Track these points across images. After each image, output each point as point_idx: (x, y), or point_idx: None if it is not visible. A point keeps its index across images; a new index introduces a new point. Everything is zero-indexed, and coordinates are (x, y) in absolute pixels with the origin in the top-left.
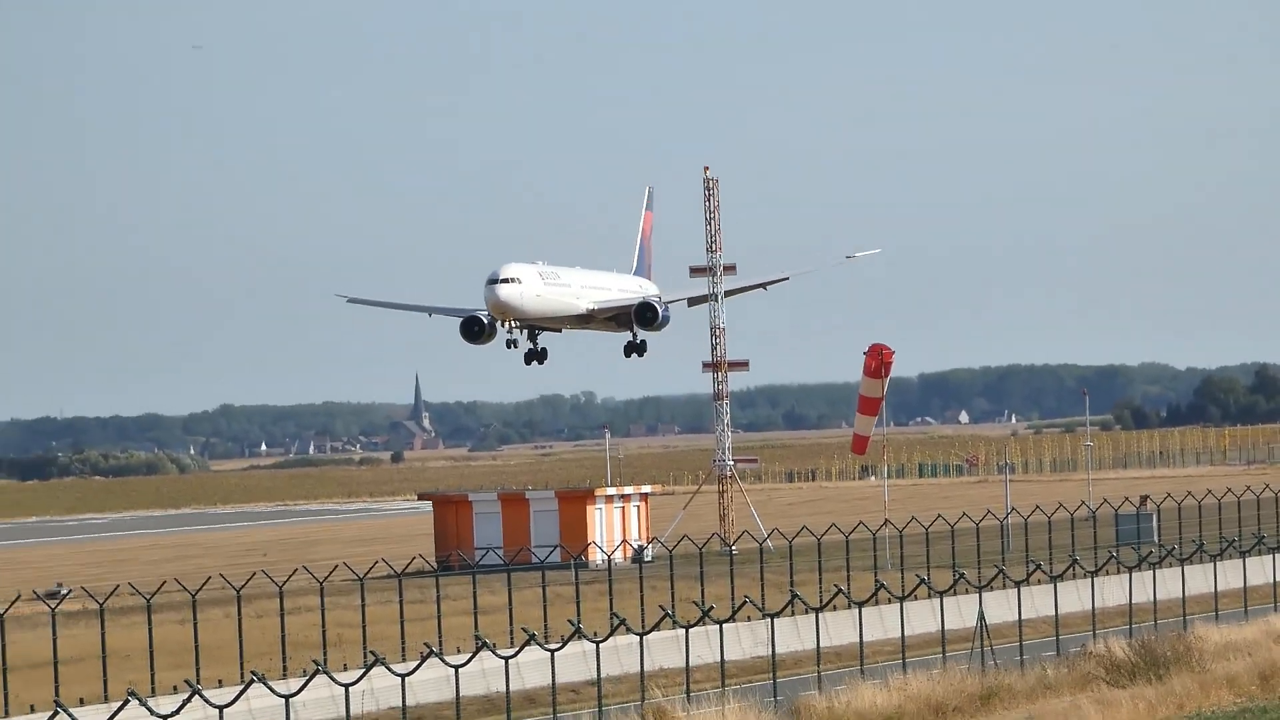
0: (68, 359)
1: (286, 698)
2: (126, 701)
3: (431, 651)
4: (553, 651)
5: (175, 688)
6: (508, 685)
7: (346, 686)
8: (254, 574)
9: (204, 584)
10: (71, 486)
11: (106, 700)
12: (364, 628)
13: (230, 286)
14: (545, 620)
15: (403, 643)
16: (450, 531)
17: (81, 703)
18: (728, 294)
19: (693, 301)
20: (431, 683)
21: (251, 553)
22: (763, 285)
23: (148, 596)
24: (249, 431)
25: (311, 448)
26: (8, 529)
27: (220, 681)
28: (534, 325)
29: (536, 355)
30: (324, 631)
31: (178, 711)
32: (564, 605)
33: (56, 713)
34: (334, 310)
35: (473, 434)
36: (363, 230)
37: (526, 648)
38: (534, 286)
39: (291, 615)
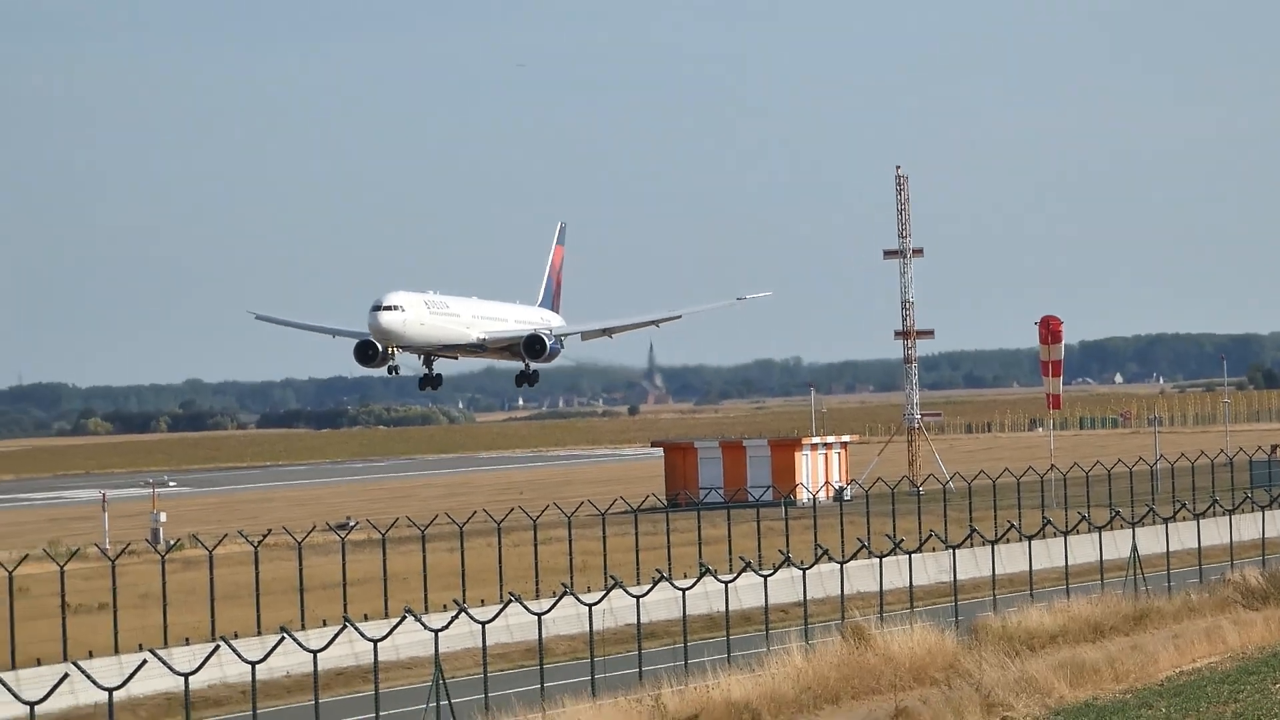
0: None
1: (539, 615)
2: (404, 618)
3: (662, 576)
4: (765, 577)
5: (445, 606)
6: (727, 605)
7: (590, 606)
8: (512, 509)
9: (470, 518)
10: (358, 435)
11: (386, 616)
12: (605, 556)
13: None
14: (759, 550)
15: (637, 569)
16: (678, 473)
17: (365, 618)
18: (619, 330)
19: (586, 335)
20: (662, 603)
21: (510, 491)
22: (654, 323)
23: (422, 528)
24: (508, 388)
25: (561, 402)
26: (305, 470)
27: (483, 601)
28: (421, 352)
29: (430, 380)
30: (571, 559)
31: (446, 626)
32: (775, 537)
33: (345, 626)
34: (589, 288)
35: (697, 391)
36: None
37: (743, 574)
38: (417, 314)
39: (544, 545)
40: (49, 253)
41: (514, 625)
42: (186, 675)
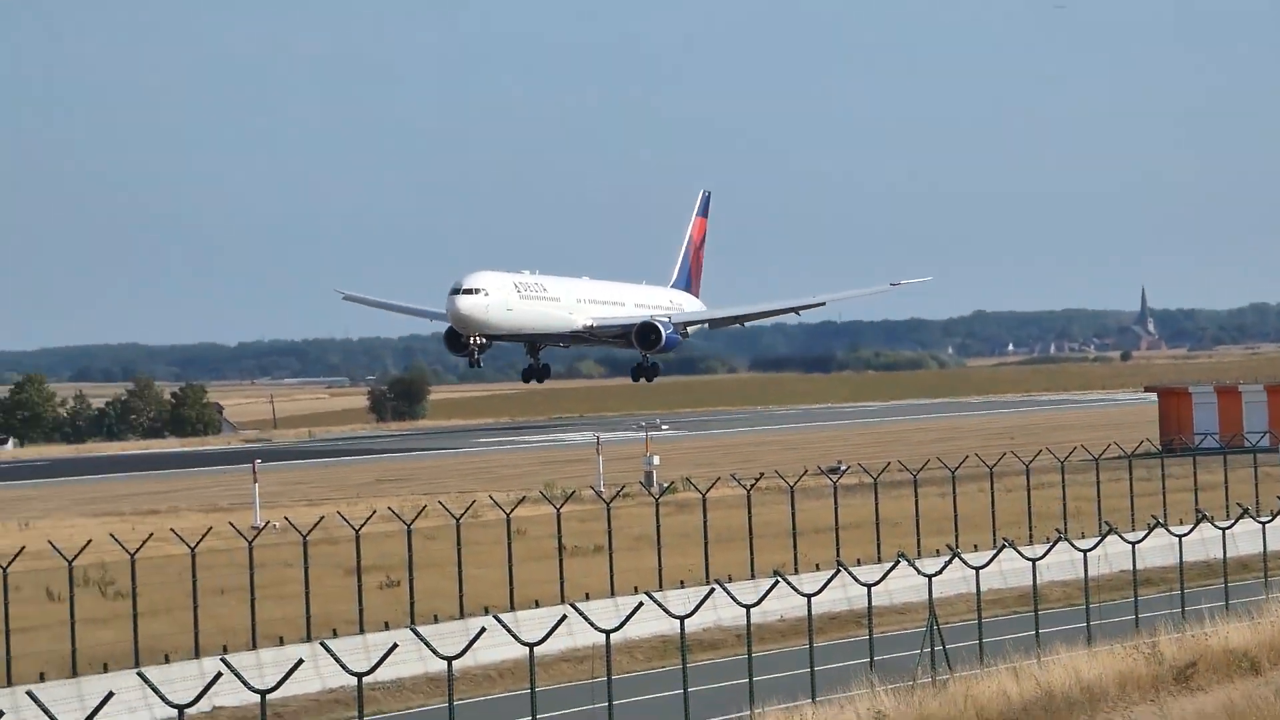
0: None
1: (1033, 561)
2: (897, 562)
3: (1158, 522)
4: (1264, 524)
5: (937, 551)
6: (1225, 552)
7: (1084, 552)
8: (1003, 454)
9: (961, 462)
10: (848, 379)
11: (879, 561)
12: (1098, 501)
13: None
14: (1256, 496)
15: (1132, 515)
16: (1172, 419)
17: (858, 562)
18: (753, 317)
19: (715, 324)
20: (1157, 549)
21: (1000, 436)
22: (795, 309)
23: (914, 472)
24: (998, 334)
25: (1052, 348)
26: (796, 414)
27: (975, 546)
28: (512, 341)
29: (535, 373)
30: (1064, 504)
31: (940, 572)
32: (1272, 484)
33: (838, 570)
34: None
35: (1190, 336)
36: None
37: (1240, 520)
38: (504, 299)
39: (1036, 490)
40: (538, 196)
41: (1007, 571)
42: (682, 618)
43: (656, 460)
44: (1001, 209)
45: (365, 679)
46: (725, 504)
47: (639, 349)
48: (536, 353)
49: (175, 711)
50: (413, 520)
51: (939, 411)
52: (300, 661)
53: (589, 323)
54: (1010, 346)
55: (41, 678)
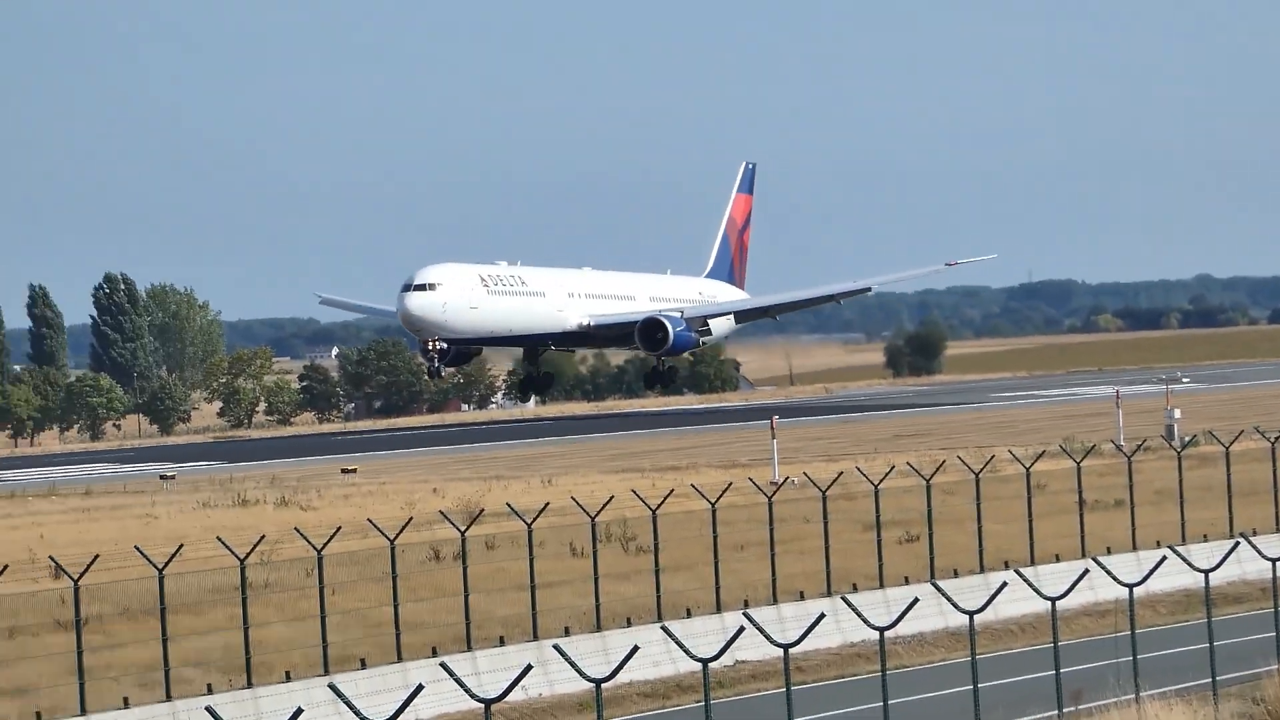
0: None
1: None
2: None
3: None
4: None
5: None
6: None
7: None
8: None
9: None
10: None
11: None
12: None
13: None
14: None
15: None
16: None
17: None
18: (790, 307)
19: (742, 316)
20: None
21: None
22: (835, 297)
23: None
24: None
25: None
26: None
27: None
28: (482, 345)
29: (535, 383)
30: None
31: None
32: None
33: None
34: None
35: None
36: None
37: None
38: (466, 296)
39: None
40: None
41: None
42: (1206, 572)
43: (1178, 413)
44: None
45: (886, 633)
46: (1250, 457)
47: (645, 350)
48: (535, 358)
49: (699, 665)
50: (931, 475)
51: None
52: (821, 616)
53: (585, 321)
54: None
55: (566, 632)
